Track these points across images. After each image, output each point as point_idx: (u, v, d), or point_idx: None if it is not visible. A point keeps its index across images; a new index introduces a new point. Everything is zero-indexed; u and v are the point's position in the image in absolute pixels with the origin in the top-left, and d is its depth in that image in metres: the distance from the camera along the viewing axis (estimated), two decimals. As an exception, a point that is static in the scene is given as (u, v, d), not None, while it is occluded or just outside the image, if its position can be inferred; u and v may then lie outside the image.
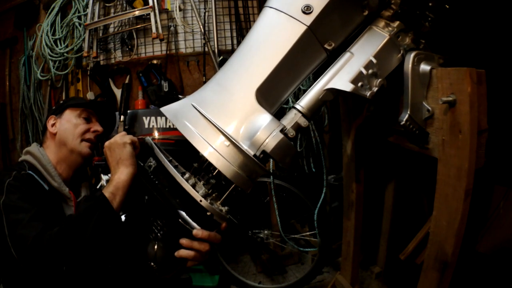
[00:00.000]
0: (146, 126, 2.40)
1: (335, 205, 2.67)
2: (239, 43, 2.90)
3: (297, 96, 2.26)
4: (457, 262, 1.22)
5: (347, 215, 1.89)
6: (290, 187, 2.46)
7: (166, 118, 2.41)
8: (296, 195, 2.46)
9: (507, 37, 1.54)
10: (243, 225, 2.50)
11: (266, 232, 2.60)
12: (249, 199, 2.47)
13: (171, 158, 1.14)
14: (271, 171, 2.47)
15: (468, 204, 1.14)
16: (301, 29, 0.99)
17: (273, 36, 1.03)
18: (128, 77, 2.97)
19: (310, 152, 2.58)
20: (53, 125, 1.44)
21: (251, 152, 0.93)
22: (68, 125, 1.42)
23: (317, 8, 0.99)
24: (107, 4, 2.94)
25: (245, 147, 0.93)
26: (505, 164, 1.67)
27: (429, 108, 1.19)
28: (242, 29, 2.93)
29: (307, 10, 0.98)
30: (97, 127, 1.48)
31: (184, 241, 0.98)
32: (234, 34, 2.95)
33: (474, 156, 1.09)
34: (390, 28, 1.14)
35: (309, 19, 0.99)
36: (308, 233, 2.66)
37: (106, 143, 1.18)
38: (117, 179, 1.10)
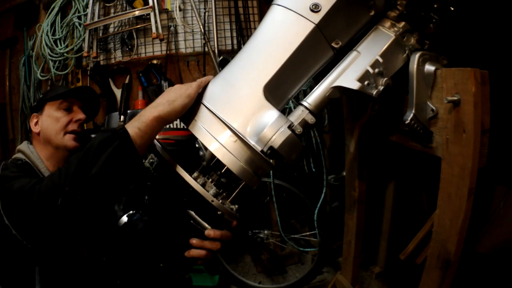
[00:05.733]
0: (146, 126, 2.40)
1: (335, 205, 2.67)
2: (239, 43, 2.91)
3: (297, 97, 2.27)
4: (458, 262, 1.23)
5: (349, 214, 1.89)
6: (290, 187, 2.46)
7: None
8: (296, 195, 2.46)
9: (507, 40, 1.56)
10: (243, 225, 2.50)
11: (266, 232, 2.61)
12: (249, 199, 2.47)
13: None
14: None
15: (471, 203, 1.15)
16: (309, 27, 0.99)
17: (281, 34, 1.03)
18: (128, 77, 2.97)
19: (310, 152, 2.58)
20: (36, 123, 1.40)
21: (258, 148, 0.93)
22: (50, 121, 1.38)
23: (325, 6, 0.99)
24: (107, 4, 2.95)
25: (252, 142, 0.93)
26: (505, 164, 1.68)
27: (433, 107, 1.20)
28: (242, 29, 2.94)
29: (315, 8, 0.99)
30: (79, 115, 1.41)
31: (194, 241, 0.96)
32: (234, 34, 2.96)
33: (478, 155, 1.10)
34: (395, 29, 1.15)
35: (317, 18, 0.99)
36: (308, 233, 2.65)
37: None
38: (151, 113, 0.91)
